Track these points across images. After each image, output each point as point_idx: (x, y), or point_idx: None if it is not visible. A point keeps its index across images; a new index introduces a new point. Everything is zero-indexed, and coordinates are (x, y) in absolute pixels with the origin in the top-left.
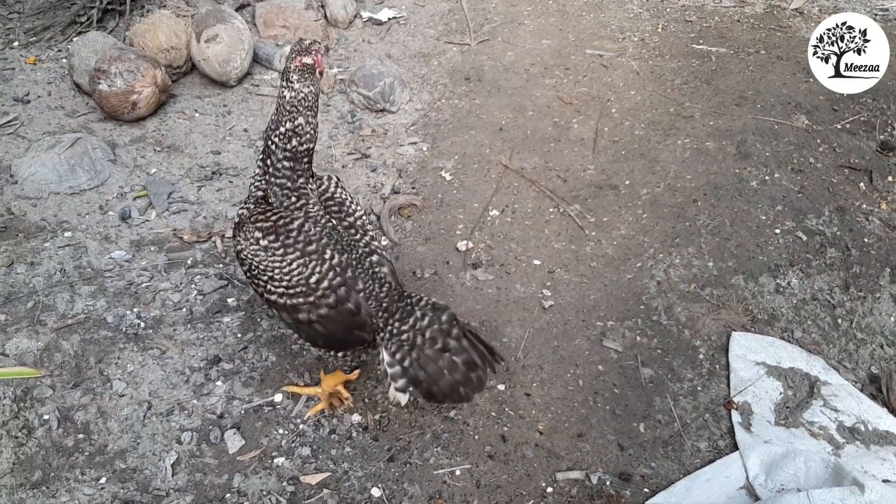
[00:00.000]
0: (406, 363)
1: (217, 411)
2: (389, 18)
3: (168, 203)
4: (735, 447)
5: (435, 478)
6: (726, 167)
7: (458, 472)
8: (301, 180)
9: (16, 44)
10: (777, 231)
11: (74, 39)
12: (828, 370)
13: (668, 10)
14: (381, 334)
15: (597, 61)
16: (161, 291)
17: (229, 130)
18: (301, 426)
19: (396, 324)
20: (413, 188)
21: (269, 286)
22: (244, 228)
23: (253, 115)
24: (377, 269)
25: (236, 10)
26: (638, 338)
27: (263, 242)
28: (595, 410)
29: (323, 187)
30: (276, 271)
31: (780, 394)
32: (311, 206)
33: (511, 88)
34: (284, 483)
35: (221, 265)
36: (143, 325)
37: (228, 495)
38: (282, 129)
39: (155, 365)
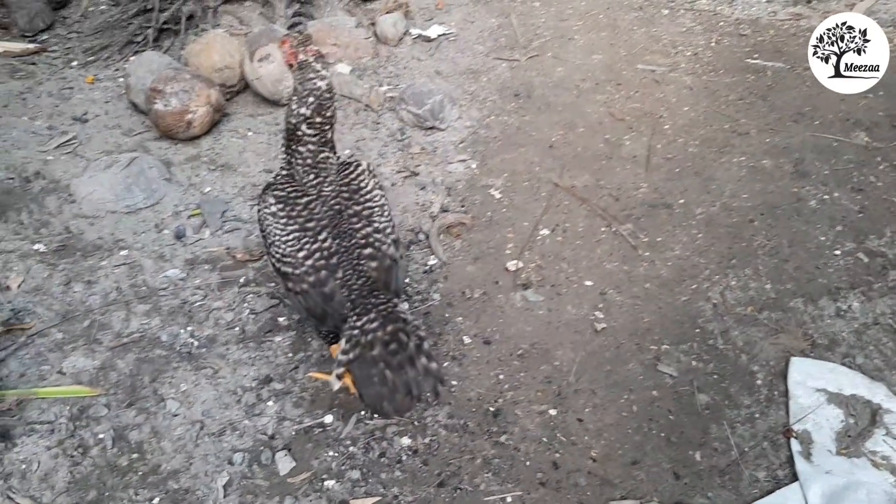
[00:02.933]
0: (350, 356)
1: (268, 432)
2: (439, 35)
3: (222, 222)
4: (795, 477)
5: None
6: (783, 186)
7: (509, 500)
8: (322, 154)
9: (74, 63)
10: (837, 252)
11: (131, 59)
12: (891, 398)
13: (721, 24)
14: (348, 322)
15: (649, 76)
16: (214, 310)
17: (282, 149)
18: (351, 448)
19: (354, 318)
20: (462, 206)
21: (271, 249)
22: (265, 192)
23: None
24: (363, 262)
25: (288, 30)
26: (693, 362)
27: (274, 209)
28: (650, 437)
29: (347, 171)
30: (277, 238)
31: (842, 422)
32: (325, 185)
33: (561, 104)
34: None
35: (273, 284)
36: (196, 343)
37: None
38: (306, 112)
39: (208, 384)
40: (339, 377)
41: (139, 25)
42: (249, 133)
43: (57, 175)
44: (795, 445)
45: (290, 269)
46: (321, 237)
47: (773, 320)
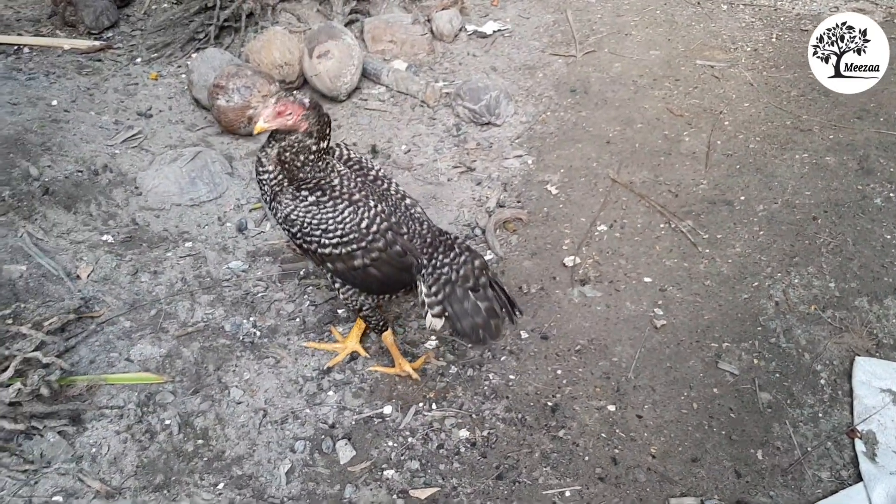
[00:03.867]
0: (440, 296)
1: (329, 421)
2: (494, 31)
3: None
4: (859, 478)
5: (544, 498)
6: (847, 183)
7: (567, 494)
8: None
9: (139, 60)
10: None
11: (193, 56)
12: None
13: (781, 19)
14: (424, 271)
15: (708, 72)
16: (276, 301)
17: None
18: (410, 439)
19: (440, 257)
20: (518, 202)
21: (322, 239)
22: (286, 193)
23: (361, 129)
24: (413, 210)
25: (345, 26)
26: (755, 360)
27: (312, 199)
28: (710, 435)
29: (338, 153)
30: (330, 222)
31: None
32: (338, 166)
33: (618, 100)
34: (394, 496)
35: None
36: (258, 333)
37: None
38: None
39: (270, 373)
40: (439, 315)
41: (201, 23)
42: None
43: (124, 168)
44: (860, 446)
45: (354, 246)
46: (371, 204)
47: (837, 319)
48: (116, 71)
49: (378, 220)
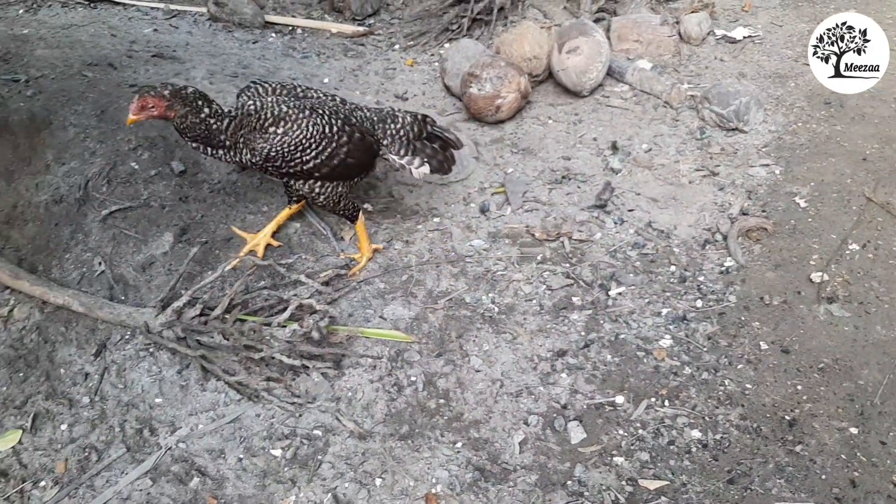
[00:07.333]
0: (411, 152)
1: (561, 401)
2: (744, 37)
3: (522, 201)
4: None
5: None
6: None
7: None
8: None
9: (396, 46)
10: None
11: (445, 45)
12: None
13: None
14: (384, 142)
15: None
16: (514, 282)
17: (579, 138)
18: (640, 431)
19: (392, 126)
20: (763, 211)
21: (303, 157)
22: (256, 139)
23: (602, 125)
24: (349, 105)
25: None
26: None
27: (280, 131)
28: None
29: (269, 88)
30: (304, 141)
31: None
32: (273, 97)
33: (878, 117)
34: (623, 482)
35: (568, 265)
36: (497, 309)
37: (570, 482)
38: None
39: (507, 348)
40: (421, 164)
41: (455, 15)
42: (550, 121)
43: None
44: None
45: (329, 149)
46: (322, 112)
47: None
48: (377, 55)
49: (332, 120)
